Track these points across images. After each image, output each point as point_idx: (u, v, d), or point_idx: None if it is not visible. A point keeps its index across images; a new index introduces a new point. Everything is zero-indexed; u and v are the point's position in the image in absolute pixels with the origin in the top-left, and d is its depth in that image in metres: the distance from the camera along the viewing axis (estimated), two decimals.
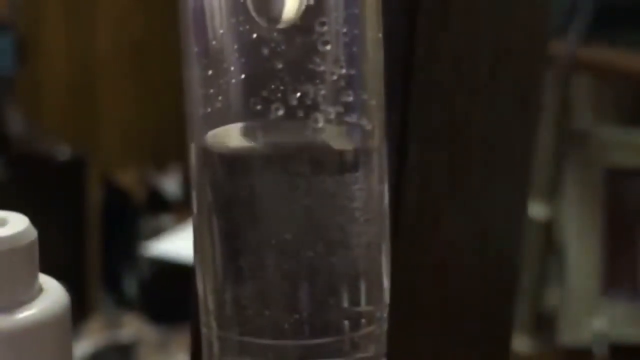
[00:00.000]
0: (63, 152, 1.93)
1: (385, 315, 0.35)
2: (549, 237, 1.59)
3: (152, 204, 2.09)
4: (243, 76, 0.33)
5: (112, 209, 2.00)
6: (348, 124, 0.33)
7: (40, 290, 0.37)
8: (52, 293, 0.37)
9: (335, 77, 0.33)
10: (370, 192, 0.34)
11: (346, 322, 0.34)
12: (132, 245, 1.98)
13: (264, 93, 0.33)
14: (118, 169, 2.13)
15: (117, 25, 2.15)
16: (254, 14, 0.32)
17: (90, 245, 1.92)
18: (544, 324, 1.61)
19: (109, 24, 2.14)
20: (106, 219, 1.96)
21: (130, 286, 1.96)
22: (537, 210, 1.51)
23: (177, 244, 1.90)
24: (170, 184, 2.15)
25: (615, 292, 1.60)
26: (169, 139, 2.16)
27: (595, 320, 1.58)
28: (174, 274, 1.86)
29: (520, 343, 1.53)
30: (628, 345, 1.58)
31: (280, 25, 0.32)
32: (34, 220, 0.37)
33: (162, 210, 2.08)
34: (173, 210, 2.08)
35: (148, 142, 2.20)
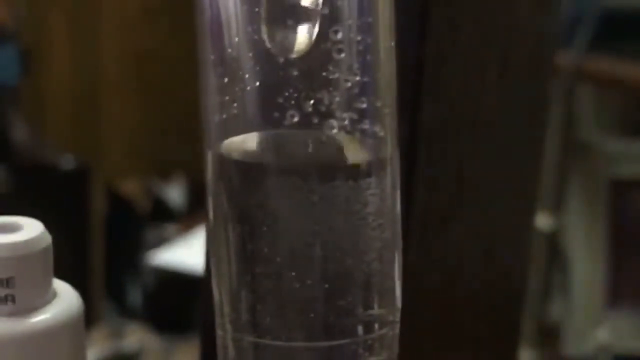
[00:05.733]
0: (67, 161, 1.93)
1: (398, 318, 0.35)
2: (554, 249, 1.59)
3: (156, 213, 2.09)
4: (258, 84, 0.33)
5: (116, 219, 2.01)
6: (362, 130, 0.34)
7: (55, 294, 0.37)
8: (66, 297, 0.38)
9: (349, 85, 0.33)
10: (383, 197, 0.34)
11: (359, 325, 0.34)
12: (136, 255, 1.98)
13: (279, 100, 0.33)
14: (122, 179, 2.13)
15: (121, 35, 2.15)
16: (269, 45, 0.33)
17: (94, 255, 1.92)
18: (548, 336, 1.61)
19: (113, 34, 2.15)
20: (110, 228, 1.96)
21: (134, 296, 1.96)
22: (541, 221, 1.51)
23: (181, 254, 1.90)
24: (174, 194, 2.15)
25: (620, 303, 1.60)
26: (173, 149, 2.16)
27: (599, 331, 1.58)
28: (178, 283, 1.86)
29: (524, 354, 1.53)
30: (632, 357, 1.58)
31: (294, 55, 0.33)
32: None
33: (166, 219, 2.08)
34: (177, 219, 2.08)
35: (152, 151, 2.20)
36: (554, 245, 1.59)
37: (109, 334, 1.84)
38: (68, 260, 1.78)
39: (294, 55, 0.33)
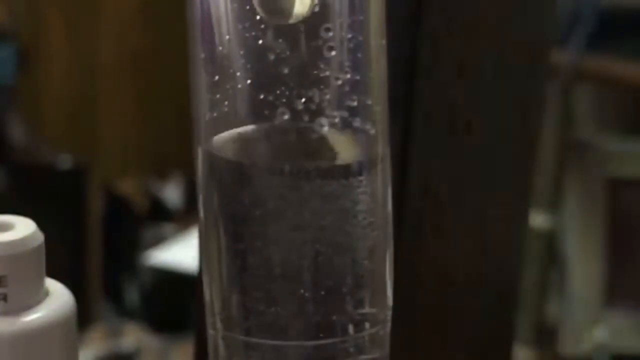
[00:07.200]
0: (64, 160, 1.93)
1: (389, 317, 0.35)
2: (551, 247, 1.59)
3: (153, 213, 2.09)
4: (249, 81, 0.33)
5: (113, 218, 2.01)
6: (352, 128, 0.34)
7: (47, 293, 0.37)
8: (58, 296, 0.38)
9: (340, 83, 0.33)
10: (374, 196, 0.34)
11: (350, 324, 0.34)
12: (133, 255, 1.98)
13: (270, 98, 0.33)
14: (119, 178, 2.13)
15: (119, 35, 2.15)
16: (259, 9, 0.32)
17: (91, 255, 1.92)
18: (545, 335, 1.61)
19: (110, 34, 2.15)
20: (107, 228, 1.96)
21: (132, 295, 1.96)
22: (538, 220, 1.51)
23: (179, 253, 1.90)
24: (172, 193, 2.15)
25: (617, 302, 1.60)
26: (170, 148, 2.16)
27: (596, 330, 1.58)
28: (175, 283, 1.86)
29: (521, 353, 1.53)
30: (629, 356, 1.58)
31: (290, 21, 0.32)
32: None
33: (164, 219, 2.08)
34: (174, 219, 2.08)
35: (149, 151, 2.20)
36: (551, 244, 1.59)
37: (107, 333, 1.84)
38: (65, 260, 1.77)
39: (291, 21, 0.32)
